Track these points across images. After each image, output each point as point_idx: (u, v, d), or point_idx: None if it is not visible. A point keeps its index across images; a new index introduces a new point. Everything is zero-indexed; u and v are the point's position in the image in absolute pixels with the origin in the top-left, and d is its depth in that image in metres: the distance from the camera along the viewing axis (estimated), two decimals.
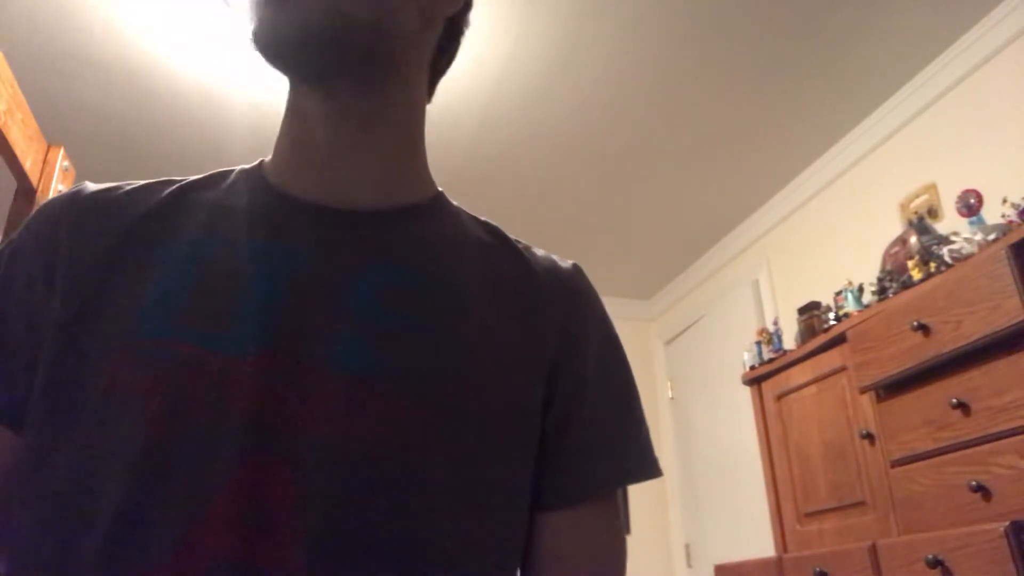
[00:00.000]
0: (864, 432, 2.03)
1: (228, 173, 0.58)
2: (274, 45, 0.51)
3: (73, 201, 0.54)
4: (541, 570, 0.53)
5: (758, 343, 2.71)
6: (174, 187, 0.56)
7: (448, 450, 0.48)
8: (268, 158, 0.59)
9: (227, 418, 0.44)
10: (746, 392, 2.68)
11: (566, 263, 0.62)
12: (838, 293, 2.43)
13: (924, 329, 1.80)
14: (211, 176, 0.58)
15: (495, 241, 0.61)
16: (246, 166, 0.59)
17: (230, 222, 0.53)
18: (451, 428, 0.48)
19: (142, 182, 0.57)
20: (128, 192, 0.55)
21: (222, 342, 0.46)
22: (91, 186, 0.56)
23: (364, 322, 0.49)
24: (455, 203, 0.63)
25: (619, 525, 0.57)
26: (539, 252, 0.62)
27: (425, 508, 0.46)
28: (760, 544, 2.70)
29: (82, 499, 0.43)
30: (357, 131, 0.55)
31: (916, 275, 2.03)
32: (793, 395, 2.40)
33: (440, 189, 0.63)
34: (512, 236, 0.62)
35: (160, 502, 0.43)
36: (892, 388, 1.93)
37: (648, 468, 0.58)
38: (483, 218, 0.63)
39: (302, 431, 0.45)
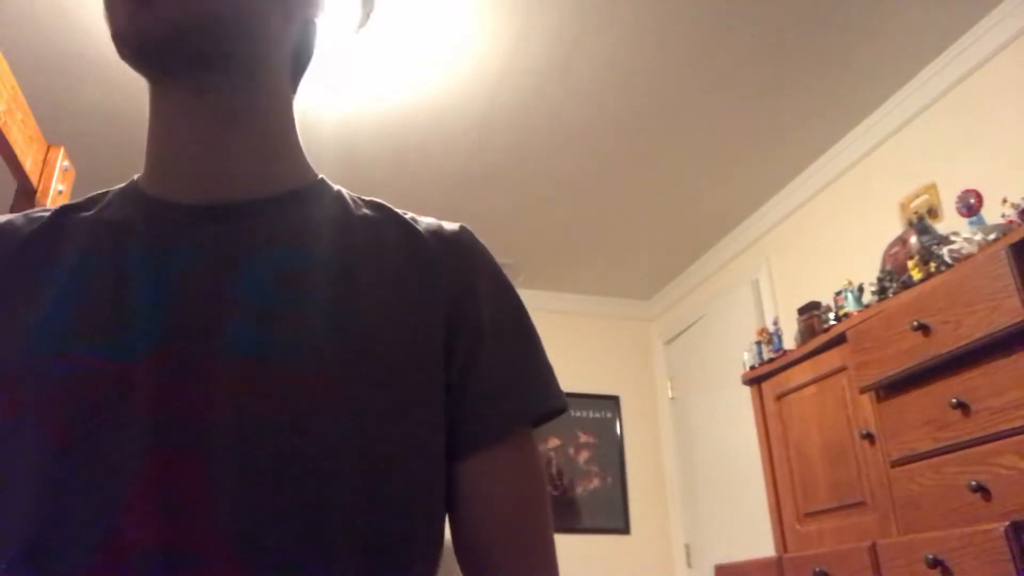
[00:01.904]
0: (864, 432, 2.03)
1: (105, 194, 0.60)
2: (140, 45, 0.52)
3: None
4: (467, 514, 0.55)
5: (758, 343, 2.71)
6: (51, 212, 0.57)
7: (351, 414, 0.49)
8: (140, 174, 0.60)
9: (130, 420, 0.45)
10: (746, 392, 2.68)
11: (452, 225, 0.64)
12: (838, 293, 2.43)
13: (924, 329, 1.80)
14: (88, 198, 0.59)
15: (380, 215, 0.61)
16: (120, 185, 0.60)
17: (110, 236, 0.54)
18: (350, 393, 0.49)
19: (18, 213, 0.58)
20: (5, 222, 0.56)
21: (116, 349, 0.48)
22: None
23: (252, 307, 0.50)
24: (337, 187, 0.64)
25: (535, 463, 0.59)
26: (425, 219, 0.63)
27: (336, 474, 0.47)
28: (760, 544, 2.70)
29: None
30: (223, 127, 0.56)
31: (916, 275, 2.03)
32: (793, 395, 2.40)
33: (321, 176, 0.63)
34: (399, 209, 0.63)
35: (73, 508, 0.43)
36: (892, 388, 1.93)
37: (552, 401, 0.59)
38: (367, 198, 0.64)
39: (204, 419, 0.46)
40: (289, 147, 0.62)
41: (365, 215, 0.60)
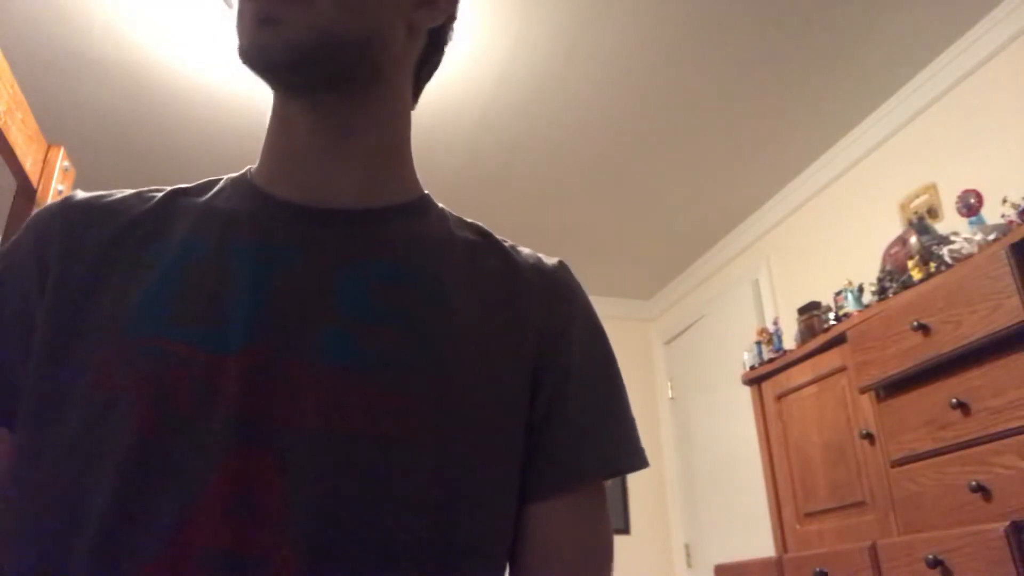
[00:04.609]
0: (864, 432, 2.03)
1: (216, 181, 0.60)
2: (264, 64, 0.52)
3: (64, 207, 0.55)
4: (530, 559, 0.54)
5: (758, 343, 2.71)
6: (163, 193, 0.57)
7: (433, 440, 0.49)
8: (254, 166, 0.60)
9: (215, 413, 0.45)
10: (746, 392, 2.68)
11: (551, 260, 0.63)
12: (838, 293, 2.43)
13: (924, 329, 1.79)
14: (200, 184, 0.60)
15: (480, 240, 0.61)
16: (233, 174, 0.60)
17: (218, 225, 0.54)
18: (435, 419, 0.49)
19: (132, 190, 0.58)
20: (118, 198, 0.57)
21: (210, 340, 0.48)
22: (81, 193, 0.57)
23: (349, 317, 0.50)
24: (441, 205, 0.64)
25: (606, 514, 0.58)
26: (524, 250, 0.63)
27: (411, 498, 0.47)
28: (760, 544, 2.70)
29: (71, 496, 0.44)
30: (341, 138, 0.56)
31: (916, 275, 2.03)
32: (793, 395, 2.40)
33: (426, 191, 0.63)
34: (498, 236, 0.63)
35: (150, 497, 0.43)
36: (892, 388, 1.93)
37: (633, 458, 0.58)
38: (469, 219, 0.64)
39: (288, 424, 0.46)
40: (402, 161, 0.61)
41: (466, 238, 0.60)
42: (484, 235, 0.62)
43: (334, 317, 0.50)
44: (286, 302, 0.50)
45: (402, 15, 0.57)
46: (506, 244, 0.62)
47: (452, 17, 0.63)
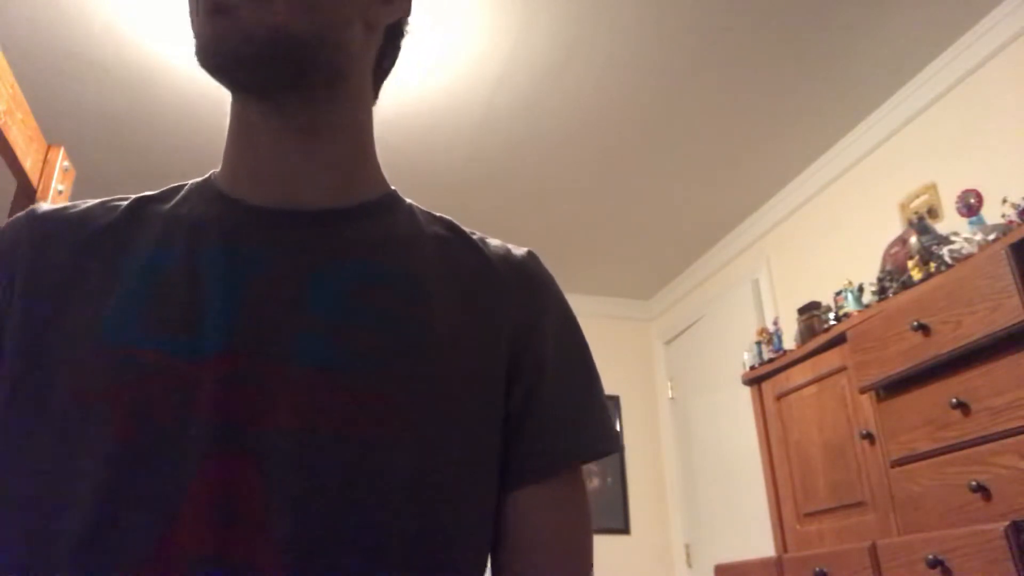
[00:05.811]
0: (864, 432, 2.03)
1: (181, 187, 0.60)
2: (218, 60, 0.51)
3: (30, 220, 0.55)
4: (511, 547, 0.55)
5: (758, 343, 2.71)
6: (129, 202, 0.57)
7: (413, 438, 0.49)
8: (217, 170, 0.60)
9: (193, 419, 0.45)
10: (746, 392, 2.68)
11: (520, 250, 0.64)
12: (838, 293, 2.43)
13: (924, 329, 1.80)
14: (165, 191, 0.59)
15: (450, 234, 0.62)
16: (197, 179, 0.60)
17: (186, 231, 0.54)
18: (415, 416, 0.49)
19: (96, 200, 0.58)
20: (83, 209, 0.56)
21: (185, 347, 0.48)
22: (46, 206, 0.57)
23: (324, 317, 0.50)
24: (408, 200, 0.64)
25: (584, 499, 0.59)
26: (493, 242, 0.63)
27: (392, 497, 0.47)
28: (760, 544, 2.70)
29: (51, 508, 0.44)
30: (303, 139, 0.56)
31: (916, 275, 2.03)
32: (793, 395, 2.40)
33: (393, 187, 0.63)
34: (467, 229, 0.63)
35: (132, 504, 0.43)
36: (892, 388, 1.93)
37: (608, 442, 0.60)
38: (437, 213, 0.64)
39: (267, 427, 0.46)
40: (366, 157, 0.61)
41: (436, 233, 0.61)
42: (453, 229, 0.62)
43: (310, 319, 0.50)
44: (261, 306, 0.50)
45: (359, 12, 0.56)
46: (475, 237, 0.62)
47: (407, 12, 0.63)
